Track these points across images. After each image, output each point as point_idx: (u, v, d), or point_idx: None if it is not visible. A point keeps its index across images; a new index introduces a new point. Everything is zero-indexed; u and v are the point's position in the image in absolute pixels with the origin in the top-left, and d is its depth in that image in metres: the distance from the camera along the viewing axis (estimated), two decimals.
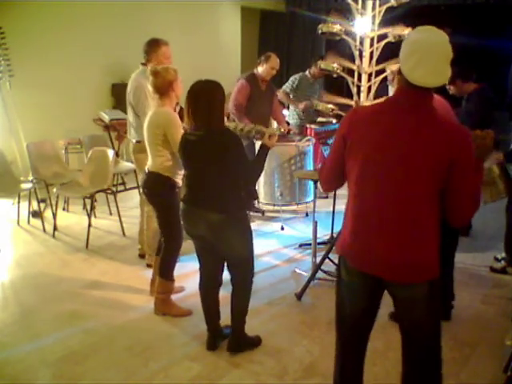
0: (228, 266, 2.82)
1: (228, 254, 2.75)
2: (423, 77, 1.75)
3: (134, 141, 3.93)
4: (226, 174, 2.59)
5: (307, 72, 6.03)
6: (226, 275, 2.87)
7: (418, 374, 2.00)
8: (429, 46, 1.76)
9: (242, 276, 2.81)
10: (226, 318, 2.94)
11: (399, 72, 1.85)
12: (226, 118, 2.85)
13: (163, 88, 3.14)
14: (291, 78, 6.05)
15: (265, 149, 2.77)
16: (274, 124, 5.41)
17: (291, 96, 6.01)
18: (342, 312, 2.07)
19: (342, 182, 2.04)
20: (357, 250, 1.91)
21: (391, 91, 3.66)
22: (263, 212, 5.31)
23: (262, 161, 2.77)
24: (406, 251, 1.82)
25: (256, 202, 5.16)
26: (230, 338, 2.87)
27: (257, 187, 5.05)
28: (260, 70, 4.97)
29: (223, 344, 2.91)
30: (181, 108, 4.66)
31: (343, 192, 4.98)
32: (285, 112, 6.44)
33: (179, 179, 3.25)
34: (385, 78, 3.72)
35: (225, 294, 2.95)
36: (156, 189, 3.25)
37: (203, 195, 2.66)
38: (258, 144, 4.78)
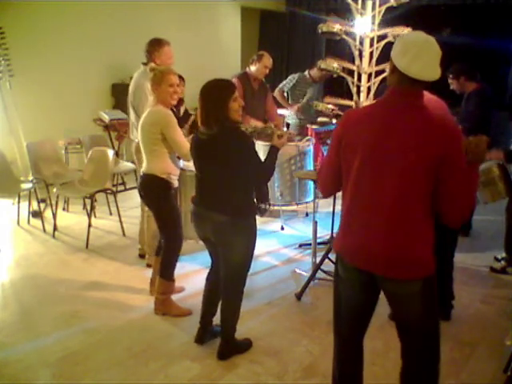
0: (223, 271, 2.77)
1: (226, 257, 2.71)
2: (421, 70, 1.80)
3: (136, 141, 3.93)
4: (235, 174, 2.57)
5: (306, 72, 6.02)
6: None
7: (415, 371, 2.02)
8: (423, 43, 1.83)
9: (233, 283, 2.78)
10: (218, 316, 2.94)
11: (392, 72, 1.89)
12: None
13: (151, 88, 3.18)
14: (289, 77, 6.03)
15: (274, 149, 2.76)
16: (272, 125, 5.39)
17: (289, 95, 6.00)
18: (339, 309, 2.10)
19: (339, 186, 2.06)
20: (352, 247, 1.95)
21: None
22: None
23: (272, 161, 2.74)
24: (401, 247, 1.86)
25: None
26: (220, 345, 2.85)
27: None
28: (253, 69, 4.95)
29: None
30: (189, 114, 4.65)
31: None
32: (284, 112, 6.43)
33: (174, 180, 3.25)
34: (385, 78, 3.72)
35: None
36: (152, 191, 3.24)
37: (212, 196, 2.64)
38: (257, 144, 4.79)
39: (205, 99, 2.58)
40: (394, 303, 2.00)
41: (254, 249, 2.75)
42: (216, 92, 2.60)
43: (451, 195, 1.82)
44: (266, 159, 2.72)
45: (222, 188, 2.61)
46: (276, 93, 6.01)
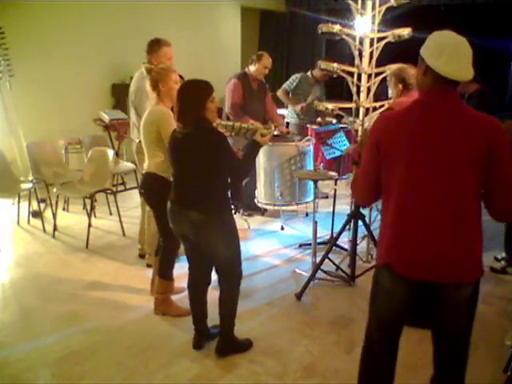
0: (215, 268, 2.81)
1: (212, 255, 2.75)
2: (457, 70, 1.80)
3: (137, 141, 3.93)
4: (209, 172, 2.60)
5: (309, 73, 6.03)
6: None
7: (450, 377, 2.01)
8: (458, 43, 1.83)
9: (228, 278, 2.79)
10: (213, 318, 2.95)
11: (424, 73, 1.86)
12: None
13: (152, 87, 3.18)
14: (292, 77, 6.04)
15: (256, 146, 2.78)
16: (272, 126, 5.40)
17: (290, 95, 6.01)
18: (379, 321, 2.03)
19: (379, 194, 1.99)
20: (412, 258, 1.84)
21: (390, 92, 3.66)
22: (264, 211, 5.31)
23: (252, 157, 2.79)
24: (459, 250, 1.81)
25: (256, 200, 5.15)
26: (218, 341, 2.86)
27: (257, 186, 5.04)
28: (252, 69, 4.95)
29: None
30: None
31: (343, 192, 4.96)
32: (284, 112, 6.44)
33: None
34: (384, 78, 3.72)
35: (214, 294, 2.94)
36: (153, 190, 3.25)
37: (187, 194, 2.68)
38: None
39: (183, 98, 2.62)
40: (446, 310, 1.91)
41: (237, 242, 2.76)
42: (194, 92, 2.64)
43: (505, 186, 1.81)
44: (245, 155, 2.76)
45: (196, 186, 2.64)
46: (279, 92, 6.02)
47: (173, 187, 2.79)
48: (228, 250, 2.73)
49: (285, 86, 6.01)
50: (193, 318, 2.94)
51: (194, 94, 2.63)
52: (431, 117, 1.84)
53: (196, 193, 2.65)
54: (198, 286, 2.91)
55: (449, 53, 1.79)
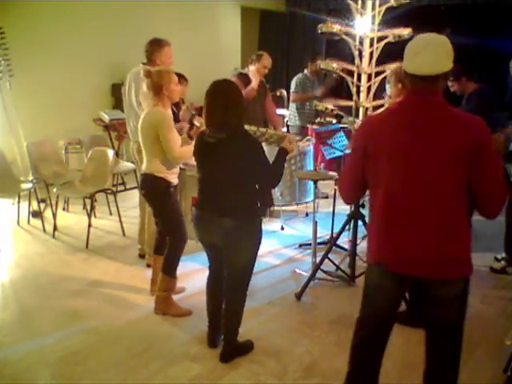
0: (227, 273, 2.75)
1: (232, 261, 2.69)
2: (419, 65, 1.83)
3: (136, 141, 3.92)
4: (246, 178, 2.55)
5: (305, 71, 6.06)
6: None
7: (442, 372, 2.03)
8: (426, 39, 1.86)
9: (239, 285, 2.76)
10: None
11: (405, 75, 1.90)
12: None
13: (155, 89, 3.14)
14: (294, 81, 6.05)
15: (284, 153, 2.74)
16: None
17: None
18: (367, 317, 2.07)
19: (364, 192, 2.08)
20: (395, 254, 1.90)
21: (388, 90, 3.66)
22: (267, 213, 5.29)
23: (281, 164, 2.73)
24: (445, 247, 1.84)
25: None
26: (223, 348, 2.83)
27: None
28: (252, 69, 4.94)
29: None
30: (200, 107, 4.63)
31: None
32: (284, 112, 6.44)
33: (173, 179, 3.25)
34: (385, 78, 3.72)
35: None
36: (153, 190, 3.25)
37: (220, 200, 2.60)
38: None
39: (229, 101, 2.52)
40: (434, 305, 1.96)
41: (258, 249, 2.74)
42: (239, 94, 2.57)
43: (489, 182, 1.83)
44: (274, 162, 2.70)
45: (230, 192, 2.57)
46: (293, 97, 6.09)
47: (201, 193, 2.70)
48: (249, 258, 2.71)
49: (294, 90, 6.05)
50: (208, 317, 2.91)
51: (240, 97, 2.56)
52: (415, 116, 1.86)
53: (230, 199, 2.57)
54: (217, 286, 2.86)
55: (413, 50, 1.84)
